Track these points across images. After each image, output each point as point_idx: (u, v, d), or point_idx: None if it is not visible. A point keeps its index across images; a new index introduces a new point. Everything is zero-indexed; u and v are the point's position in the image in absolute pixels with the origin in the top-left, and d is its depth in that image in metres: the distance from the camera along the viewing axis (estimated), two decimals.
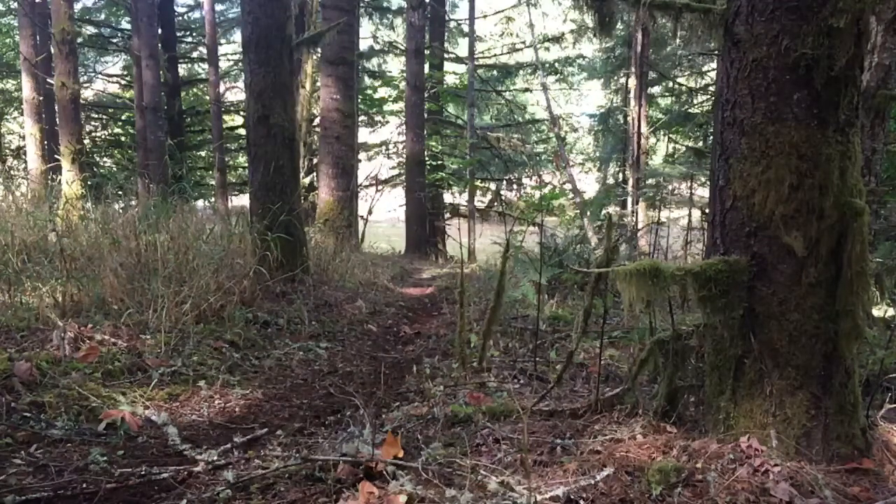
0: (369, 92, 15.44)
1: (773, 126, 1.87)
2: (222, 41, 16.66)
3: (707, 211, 2.62)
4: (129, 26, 14.37)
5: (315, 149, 12.10)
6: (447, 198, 15.74)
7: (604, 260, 2.44)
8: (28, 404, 2.33)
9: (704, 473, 1.72)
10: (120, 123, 17.78)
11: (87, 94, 16.82)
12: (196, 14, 17.79)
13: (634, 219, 10.64)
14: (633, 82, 12.58)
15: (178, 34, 16.65)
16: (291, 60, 5.42)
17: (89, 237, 4.35)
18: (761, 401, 1.91)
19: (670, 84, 14.57)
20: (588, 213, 10.20)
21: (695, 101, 13.81)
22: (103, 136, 17.81)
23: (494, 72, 16.44)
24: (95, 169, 14.90)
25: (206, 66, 15.64)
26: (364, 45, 15.34)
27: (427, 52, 13.82)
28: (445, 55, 15.67)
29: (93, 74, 17.61)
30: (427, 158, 13.14)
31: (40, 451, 2.03)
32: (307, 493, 1.75)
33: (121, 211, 5.10)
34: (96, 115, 17.51)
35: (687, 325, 2.25)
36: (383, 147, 16.43)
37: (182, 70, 17.43)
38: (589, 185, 16.62)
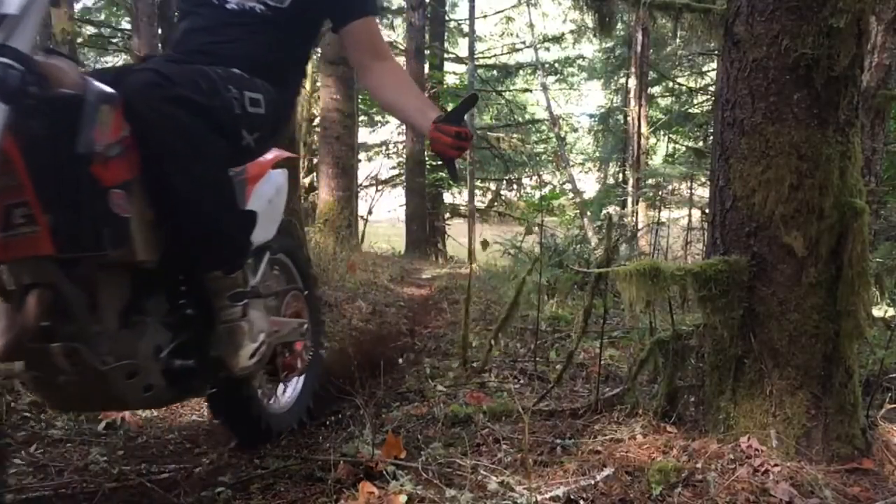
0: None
1: (773, 126, 1.87)
2: None
3: (707, 211, 2.63)
4: (129, 26, 14.36)
5: (315, 149, 12.09)
6: (447, 198, 15.74)
7: (604, 260, 2.44)
8: (28, 404, 2.33)
9: (704, 473, 1.72)
10: None
11: None
12: None
13: (634, 219, 10.63)
14: (633, 82, 12.57)
15: None
16: None
17: None
18: (761, 401, 1.91)
19: (670, 84, 14.56)
20: (588, 213, 10.21)
21: (695, 101, 13.81)
22: None
23: (494, 72, 16.44)
24: None
25: None
26: None
27: (427, 52, 13.82)
28: (445, 55, 15.66)
29: None
30: (427, 158, 13.11)
31: (40, 451, 2.03)
32: (307, 493, 1.75)
33: None
34: None
35: (687, 325, 2.25)
36: (383, 147, 16.42)
37: None
38: (589, 185, 16.62)
